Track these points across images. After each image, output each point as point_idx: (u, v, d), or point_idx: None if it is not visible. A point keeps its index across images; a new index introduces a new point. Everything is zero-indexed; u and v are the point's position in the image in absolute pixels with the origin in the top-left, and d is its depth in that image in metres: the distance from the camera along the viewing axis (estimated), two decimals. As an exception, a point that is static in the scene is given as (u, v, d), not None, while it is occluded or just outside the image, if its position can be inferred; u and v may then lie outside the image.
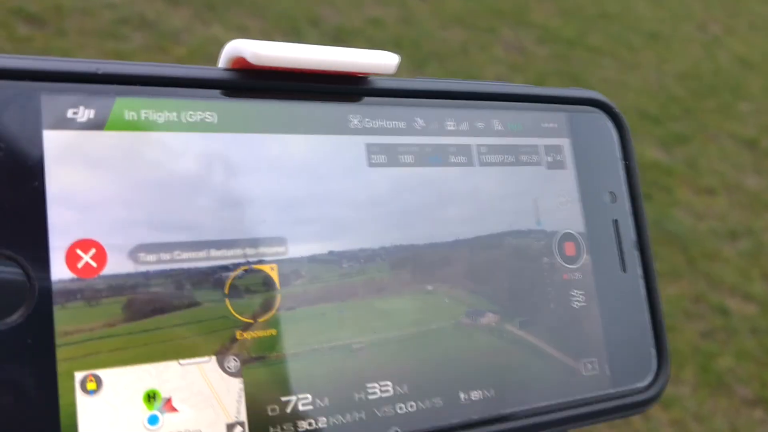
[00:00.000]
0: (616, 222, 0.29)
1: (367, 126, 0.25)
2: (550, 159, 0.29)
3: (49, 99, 0.20)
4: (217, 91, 0.23)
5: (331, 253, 0.24)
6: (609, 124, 0.30)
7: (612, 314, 0.28)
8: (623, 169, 0.30)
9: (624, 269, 0.29)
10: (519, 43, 2.50)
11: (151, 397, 0.20)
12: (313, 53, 0.23)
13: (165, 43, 2.00)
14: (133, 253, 0.21)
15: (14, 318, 0.19)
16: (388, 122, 0.26)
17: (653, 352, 0.28)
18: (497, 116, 0.28)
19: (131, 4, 2.11)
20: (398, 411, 0.24)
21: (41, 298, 0.19)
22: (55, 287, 0.19)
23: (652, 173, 2.06)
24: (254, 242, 0.22)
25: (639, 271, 0.29)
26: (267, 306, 0.23)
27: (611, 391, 0.27)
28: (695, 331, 1.59)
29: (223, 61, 0.24)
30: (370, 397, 0.23)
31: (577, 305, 0.28)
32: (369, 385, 0.24)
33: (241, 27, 2.16)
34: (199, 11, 2.18)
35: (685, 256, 1.83)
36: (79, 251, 0.20)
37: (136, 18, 2.06)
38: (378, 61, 0.24)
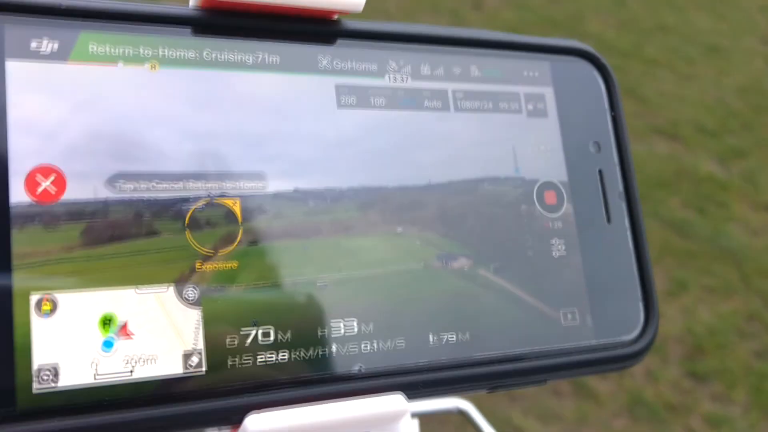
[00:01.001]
0: (600, 172, 0.29)
1: (336, 67, 0.25)
2: (530, 107, 0.28)
3: (13, 30, 0.21)
4: (185, 29, 0.23)
5: (296, 190, 0.24)
6: (595, 75, 0.29)
7: (595, 265, 0.28)
8: (610, 119, 0.29)
9: (609, 220, 0.28)
10: (572, 53, 2.47)
11: (106, 321, 0.21)
12: None
13: None
14: (94, 181, 0.21)
15: None
16: (358, 64, 0.26)
17: (641, 305, 0.28)
18: (475, 62, 0.28)
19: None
20: (363, 349, 0.24)
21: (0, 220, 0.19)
22: (13, 210, 0.20)
23: (708, 187, 2.01)
24: (217, 176, 0.23)
25: (626, 222, 0.28)
26: (228, 239, 0.23)
27: (593, 342, 0.27)
28: (748, 350, 1.53)
29: (192, 1, 0.24)
30: (334, 334, 0.23)
31: (557, 254, 0.27)
32: (333, 322, 0.23)
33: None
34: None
35: (740, 273, 1.77)
36: (38, 177, 0.20)
37: None
38: None
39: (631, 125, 2.16)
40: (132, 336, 0.21)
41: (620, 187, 0.29)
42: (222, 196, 0.23)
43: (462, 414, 0.39)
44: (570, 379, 0.28)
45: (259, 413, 0.21)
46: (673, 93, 2.42)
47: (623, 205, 0.29)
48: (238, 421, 0.21)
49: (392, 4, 2.51)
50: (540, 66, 0.29)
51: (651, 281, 0.28)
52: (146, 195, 0.22)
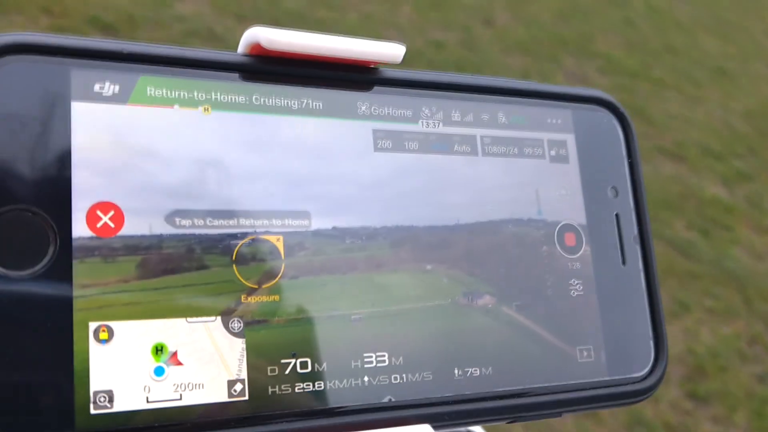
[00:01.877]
0: (617, 216, 0.30)
1: (374, 113, 0.27)
2: (553, 153, 0.30)
3: (79, 73, 0.22)
4: (234, 74, 0.25)
5: (334, 228, 0.25)
6: (614, 123, 0.31)
7: (610, 305, 0.29)
8: (627, 166, 0.31)
9: (624, 262, 0.30)
10: (581, 72, 2.49)
11: (158, 349, 0.22)
12: (324, 41, 0.25)
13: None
14: (149, 217, 0.22)
15: (37, 268, 0.20)
16: (394, 110, 0.27)
17: (651, 343, 0.29)
18: (502, 109, 0.29)
19: (201, 17, 2.17)
20: (393, 381, 0.25)
21: (62, 252, 0.21)
22: (75, 243, 0.21)
23: (712, 210, 2.02)
24: (262, 214, 0.24)
25: (639, 264, 0.30)
26: (271, 273, 0.24)
27: (606, 378, 0.28)
28: (750, 374, 1.54)
29: (241, 47, 0.25)
30: (367, 365, 0.25)
31: (575, 293, 0.29)
32: (366, 354, 0.25)
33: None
34: (265, 28, 2.23)
35: (743, 296, 1.78)
36: (99, 212, 0.22)
37: (205, 31, 2.12)
38: (385, 51, 0.26)
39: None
40: (181, 364, 0.22)
41: (635, 230, 0.30)
42: (267, 233, 0.24)
43: None
44: (584, 413, 0.29)
45: None
46: (680, 114, 2.44)
47: (638, 248, 0.30)
48: None
49: (405, 20, 2.53)
50: (562, 114, 0.30)
51: (662, 321, 0.29)
52: (197, 231, 0.23)
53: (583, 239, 0.29)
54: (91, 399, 0.21)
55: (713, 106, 2.57)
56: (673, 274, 1.75)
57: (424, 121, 0.28)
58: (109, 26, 2.05)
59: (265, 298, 0.24)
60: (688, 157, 2.22)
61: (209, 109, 0.24)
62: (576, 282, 0.29)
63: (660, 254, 1.78)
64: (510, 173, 0.29)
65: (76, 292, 0.21)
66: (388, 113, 0.27)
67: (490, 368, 0.27)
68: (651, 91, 2.52)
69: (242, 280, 0.24)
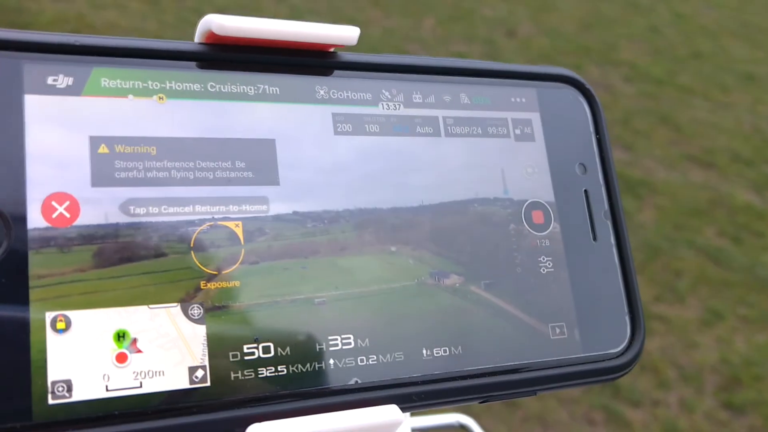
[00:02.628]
0: (586, 192, 0.30)
1: (333, 96, 0.27)
2: (518, 132, 0.30)
3: (31, 67, 0.23)
4: (189, 63, 0.25)
5: (295, 213, 0.25)
6: (580, 99, 0.31)
7: (582, 281, 0.29)
8: (595, 142, 0.30)
9: (595, 238, 0.30)
10: (606, 80, 2.47)
11: (116, 338, 0.22)
12: (276, 26, 0.25)
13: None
14: (105, 206, 0.23)
15: None
16: (354, 94, 0.27)
17: (627, 319, 0.29)
18: (465, 90, 0.29)
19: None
20: (359, 363, 0.25)
21: (17, 243, 0.21)
22: (30, 234, 0.21)
23: (744, 216, 1.99)
24: (220, 201, 0.24)
25: (611, 240, 0.30)
26: (231, 259, 0.24)
27: (581, 355, 0.28)
28: (787, 382, 1.51)
29: (197, 36, 0.25)
30: (332, 348, 0.25)
31: (545, 270, 0.29)
32: (331, 337, 0.25)
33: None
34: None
35: (777, 304, 1.75)
36: (54, 203, 0.22)
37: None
38: (339, 34, 0.26)
39: (666, 153, 2.15)
40: (141, 352, 0.22)
41: (605, 206, 0.30)
42: (225, 219, 0.24)
43: (463, 429, 0.40)
44: (558, 391, 0.28)
45: (260, 424, 0.22)
46: (708, 121, 2.41)
47: (609, 224, 0.30)
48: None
49: (428, 34, 2.54)
50: (527, 93, 0.30)
51: (636, 296, 0.29)
52: (153, 219, 0.23)
53: (552, 216, 0.29)
54: (49, 389, 0.21)
55: (742, 111, 2.53)
56: (706, 282, 1.73)
57: (385, 103, 0.28)
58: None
59: (225, 284, 0.24)
60: (718, 164, 2.19)
61: (164, 98, 0.24)
62: (545, 259, 0.29)
63: (691, 262, 1.75)
64: (474, 153, 0.29)
65: (32, 283, 0.21)
66: (347, 97, 0.27)
67: (459, 348, 0.26)
68: (678, 98, 2.50)
69: (201, 266, 0.24)
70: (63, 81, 0.23)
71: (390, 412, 0.24)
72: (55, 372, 0.21)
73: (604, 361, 0.28)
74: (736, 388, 1.45)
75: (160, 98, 0.24)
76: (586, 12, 2.97)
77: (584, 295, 0.29)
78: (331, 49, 0.27)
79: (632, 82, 2.50)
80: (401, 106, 0.28)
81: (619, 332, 0.29)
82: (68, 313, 0.21)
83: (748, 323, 1.65)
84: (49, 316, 0.21)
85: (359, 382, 0.25)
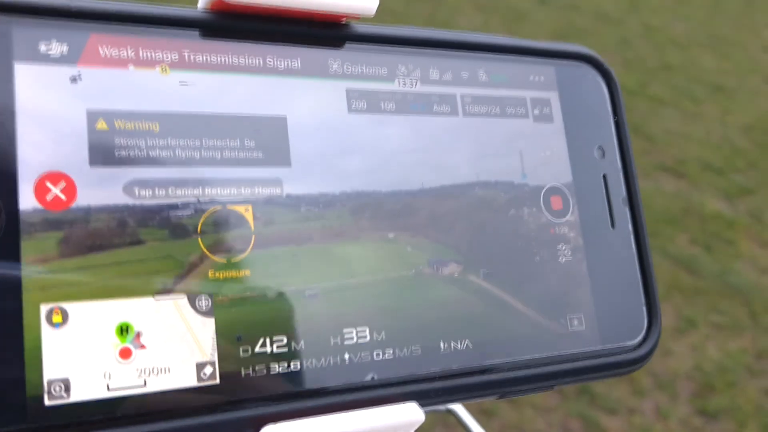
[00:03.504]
0: (605, 177, 0.29)
1: (347, 71, 0.25)
2: (537, 112, 0.28)
3: (21, 32, 0.20)
4: (194, 31, 0.23)
5: (307, 196, 0.23)
6: (599, 79, 0.29)
7: (600, 270, 0.27)
8: (613, 124, 0.29)
9: (613, 225, 0.28)
10: (579, 91, 2.49)
11: (118, 332, 0.20)
12: None
13: None
14: (106, 188, 0.20)
15: None
16: (369, 68, 0.26)
17: (644, 310, 0.28)
18: (483, 67, 0.27)
19: None
20: (375, 358, 0.24)
21: (9, 227, 0.19)
22: (22, 218, 0.19)
23: (715, 225, 2.01)
24: (229, 182, 0.22)
25: (629, 227, 0.28)
26: (240, 246, 0.22)
27: (599, 348, 0.27)
28: (759, 388, 1.52)
29: (202, 2, 0.24)
30: (347, 342, 0.23)
31: (563, 260, 0.27)
32: (346, 330, 0.23)
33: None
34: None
35: (749, 310, 1.77)
36: (48, 184, 0.20)
37: None
38: (356, 3, 0.24)
39: (638, 162, 2.17)
40: (145, 347, 0.20)
41: (624, 192, 0.29)
42: (235, 202, 0.22)
43: (449, 412, 0.39)
44: (577, 384, 0.28)
45: (275, 425, 0.21)
46: (679, 131, 2.44)
47: (627, 211, 0.29)
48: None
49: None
50: (545, 70, 0.29)
51: (654, 286, 0.28)
52: (159, 201, 0.21)
53: (571, 202, 0.28)
54: (45, 389, 0.19)
55: (712, 121, 2.57)
56: (678, 291, 1.74)
57: (401, 79, 0.26)
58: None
59: (234, 273, 0.22)
60: (689, 173, 2.22)
61: (167, 69, 0.22)
62: (564, 247, 0.27)
63: (664, 270, 1.77)
64: (493, 134, 0.27)
65: (25, 272, 0.19)
66: (362, 72, 0.25)
67: (477, 341, 0.25)
68: (649, 108, 2.53)
69: (209, 254, 0.22)
70: (57, 48, 0.21)
71: (410, 410, 0.23)
72: (51, 370, 0.19)
73: (621, 353, 0.27)
74: (710, 395, 1.47)
75: (163, 69, 0.22)
76: (559, 23, 3.00)
77: (602, 285, 0.27)
78: (343, 20, 0.25)
79: (605, 93, 2.53)
80: (418, 82, 0.26)
81: (636, 323, 0.28)
82: (65, 305, 0.19)
83: (720, 330, 1.67)
84: (44, 308, 0.19)
85: (376, 378, 0.23)
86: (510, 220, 0.27)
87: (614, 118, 0.29)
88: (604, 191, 0.28)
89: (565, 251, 0.27)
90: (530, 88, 0.28)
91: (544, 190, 0.28)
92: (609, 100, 0.29)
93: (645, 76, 2.75)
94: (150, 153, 0.21)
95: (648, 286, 0.28)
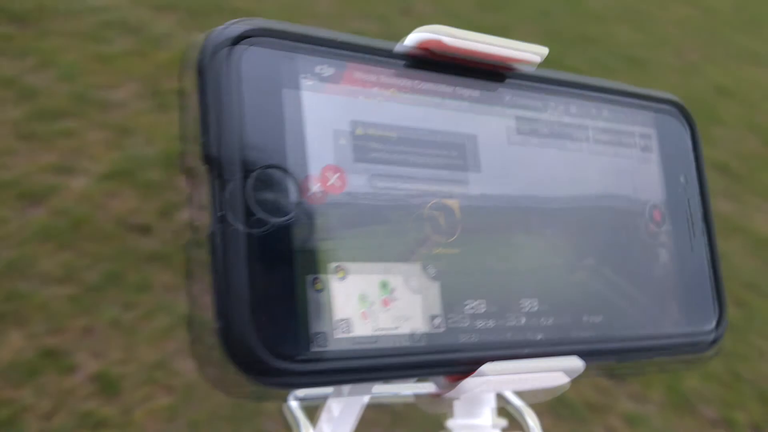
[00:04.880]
0: (688, 200, 0.37)
1: (516, 102, 0.32)
2: (642, 144, 0.36)
3: (304, 57, 0.27)
4: (418, 64, 0.30)
5: (492, 195, 0.31)
6: (683, 121, 0.37)
7: (685, 269, 0.36)
8: (693, 158, 0.37)
9: (693, 235, 0.36)
10: (499, 62, 2.53)
11: (383, 285, 0.27)
12: (490, 41, 0.30)
13: (147, 48, 2.00)
14: (365, 178, 0.27)
15: (285, 218, 0.25)
16: (531, 101, 0.33)
17: (716, 303, 0.36)
18: (606, 106, 0.35)
19: (116, 8, 2.12)
20: (542, 322, 0.31)
21: (306, 205, 0.26)
22: (314, 198, 0.26)
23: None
24: (443, 181, 0.30)
25: (704, 239, 0.36)
26: (451, 231, 0.29)
27: (687, 329, 0.35)
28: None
29: (412, 42, 0.30)
30: (524, 309, 0.30)
31: (661, 260, 0.35)
32: (524, 300, 0.31)
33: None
34: (182, 18, 2.18)
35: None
36: (328, 174, 0.26)
37: (120, 23, 2.06)
38: (528, 54, 0.31)
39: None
40: (397, 300, 0.27)
41: (701, 212, 0.37)
42: (446, 196, 0.29)
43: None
44: (665, 365, 0.33)
45: (492, 364, 0.28)
46: (595, 102, 2.51)
47: (703, 225, 0.37)
48: (470, 370, 0.28)
49: (323, 8, 2.53)
50: (647, 112, 0.37)
51: (722, 283, 0.36)
52: (398, 192, 0.28)
53: (666, 216, 0.36)
54: (335, 326, 0.25)
55: (625, 93, 2.65)
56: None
57: (551, 111, 0.33)
58: (18, 16, 1.97)
59: (450, 251, 0.29)
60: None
61: (396, 92, 0.29)
62: (662, 250, 0.35)
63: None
64: (612, 158, 0.35)
65: (319, 237, 0.26)
66: (526, 104, 0.33)
67: (606, 316, 0.32)
68: (567, 79, 2.58)
69: (432, 233, 0.28)
70: (327, 71, 0.27)
71: (575, 361, 0.30)
72: (338, 312, 0.26)
73: (701, 335, 0.35)
74: (619, 358, 1.54)
75: (393, 92, 0.29)
76: (481, -8, 3.02)
77: (686, 282, 0.35)
78: (516, 64, 0.32)
79: (524, 64, 2.57)
80: (562, 114, 0.33)
81: (710, 312, 0.36)
82: (345, 264, 0.26)
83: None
84: (332, 265, 0.26)
85: (544, 337, 0.30)
86: (628, 226, 0.35)
87: (694, 153, 0.37)
88: (687, 209, 0.37)
89: (663, 254, 0.35)
90: (638, 124, 0.36)
91: (648, 205, 0.35)
92: (690, 139, 0.38)
93: (563, 47, 2.81)
94: (391, 154, 0.28)
95: (718, 283, 0.36)
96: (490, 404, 0.34)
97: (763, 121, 2.86)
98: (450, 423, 0.34)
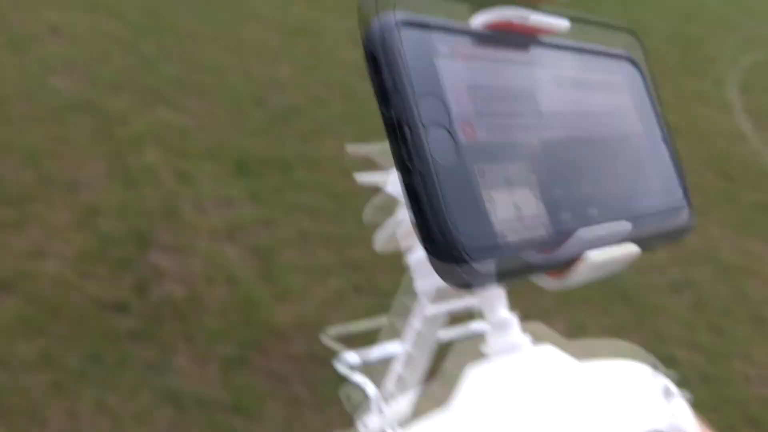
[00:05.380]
0: (656, 116, 0.44)
1: (553, 62, 0.39)
2: (623, 87, 0.43)
3: (436, 37, 0.32)
4: (491, 38, 0.35)
5: (547, 140, 0.36)
6: (637, 68, 0.44)
7: (664, 162, 0.43)
8: (652, 88, 0.45)
9: (662, 138, 0.43)
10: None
11: (519, 201, 0.33)
12: (541, 17, 0.36)
13: (111, 127, 2.01)
14: (485, 130, 0.32)
15: (451, 160, 0.30)
16: (560, 61, 0.39)
17: (680, 179, 0.42)
18: (595, 58, 0.42)
19: (73, 90, 2.12)
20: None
21: (463, 149, 0.31)
22: (463, 142, 0.31)
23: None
24: (533, 125, 0.36)
25: (668, 137, 0.43)
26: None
27: (676, 203, 0.41)
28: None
29: (481, 22, 0.35)
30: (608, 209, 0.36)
31: (654, 158, 0.42)
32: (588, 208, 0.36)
33: (185, 109, 2.18)
34: (142, 95, 2.20)
35: (633, 313, 1.88)
36: (465, 126, 0.32)
37: (83, 103, 2.07)
38: (554, 25, 0.37)
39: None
40: (531, 211, 0.32)
41: (663, 121, 0.44)
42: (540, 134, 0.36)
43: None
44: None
45: (594, 251, 0.33)
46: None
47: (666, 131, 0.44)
48: (576, 257, 0.33)
49: (284, 77, 2.56)
50: (618, 62, 0.44)
51: (682, 164, 0.43)
52: (511, 131, 0.34)
53: (647, 128, 0.43)
54: (503, 225, 0.30)
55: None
56: (569, 299, 1.83)
57: (575, 66, 0.40)
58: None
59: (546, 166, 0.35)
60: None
61: (487, 59, 0.35)
62: (651, 152, 0.42)
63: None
64: (609, 98, 0.41)
65: (476, 170, 0.31)
66: (559, 63, 0.39)
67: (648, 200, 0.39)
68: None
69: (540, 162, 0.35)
70: (446, 48, 0.32)
71: (634, 248, 0.35)
72: (502, 214, 0.31)
73: (683, 204, 0.41)
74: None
75: (478, 60, 0.34)
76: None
77: (668, 169, 0.42)
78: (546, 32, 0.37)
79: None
80: (581, 69, 0.40)
81: (679, 187, 0.42)
82: (497, 187, 0.31)
83: (609, 333, 1.76)
84: (491, 184, 0.31)
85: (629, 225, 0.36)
86: (635, 142, 0.41)
87: (652, 84, 0.44)
88: (657, 121, 0.44)
89: (654, 153, 0.42)
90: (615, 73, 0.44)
91: (639, 122, 0.43)
92: (648, 79, 0.45)
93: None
94: (493, 110, 0.33)
95: (680, 164, 0.43)
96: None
97: (715, 155, 2.95)
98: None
